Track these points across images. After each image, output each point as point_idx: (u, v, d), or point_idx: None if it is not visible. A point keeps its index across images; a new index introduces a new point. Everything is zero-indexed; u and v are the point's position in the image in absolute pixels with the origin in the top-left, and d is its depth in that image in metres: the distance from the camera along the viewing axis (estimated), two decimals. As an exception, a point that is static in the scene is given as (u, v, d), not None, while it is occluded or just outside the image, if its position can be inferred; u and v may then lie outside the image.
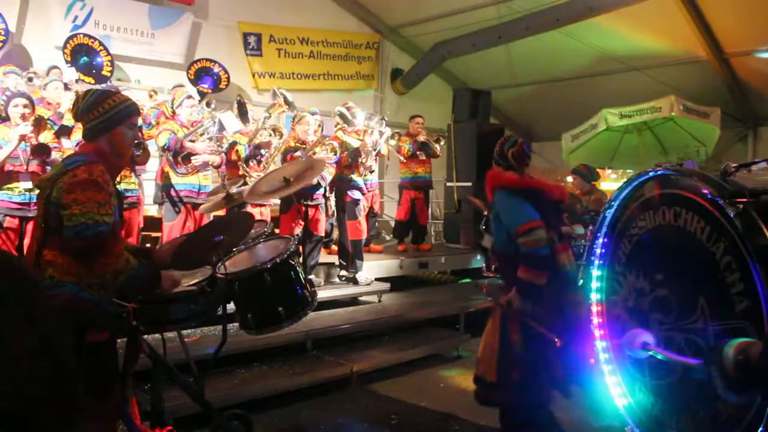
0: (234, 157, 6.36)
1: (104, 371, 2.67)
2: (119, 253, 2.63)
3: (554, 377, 3.40)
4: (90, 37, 8.05)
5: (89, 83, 7.18)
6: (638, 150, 9.84)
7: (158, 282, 2.80)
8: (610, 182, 10.27)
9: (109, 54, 8.02)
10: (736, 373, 1.49)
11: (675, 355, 2.43)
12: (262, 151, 6.48)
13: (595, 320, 2.75)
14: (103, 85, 6.83)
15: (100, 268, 2.60)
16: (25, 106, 5.18)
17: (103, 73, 8.01)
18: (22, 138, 5.07)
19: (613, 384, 2.68)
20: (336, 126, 7.33)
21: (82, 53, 7.86)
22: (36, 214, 2.66)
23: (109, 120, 2.74)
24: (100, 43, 8.02)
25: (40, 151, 5.28)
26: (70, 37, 7.92)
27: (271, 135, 6.55)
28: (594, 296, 2.78)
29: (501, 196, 3.49)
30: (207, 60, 9.18)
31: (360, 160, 7.12)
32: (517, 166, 3.59)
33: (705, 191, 2.03)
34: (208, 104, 7.35)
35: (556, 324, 3.29)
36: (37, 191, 3.25)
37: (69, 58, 7.76)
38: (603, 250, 2.74)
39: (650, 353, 2.28)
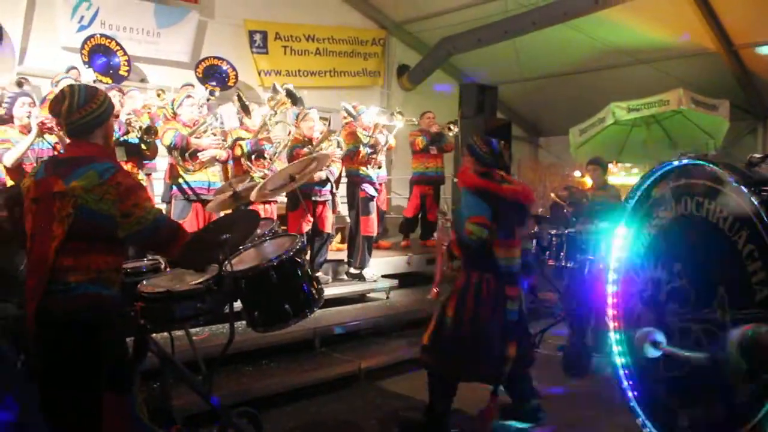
0: (237, 152, 6.33)
1: (123, 366, 2.73)
2: (185, 230, 2.79)
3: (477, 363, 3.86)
4: (107, 37, 8.10)
5: (107, 83, 7.17)
6: (646, 144, 9.79)
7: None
8: (617, 177, 10.20)
9: (125, 54, 8.07)
10: (751, 359, 1.46)
11: (688, 353, 2.40)
12: (265, 146, 6.42)
13: (611, 311, 2.74)
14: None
15: (175, 251, 2.75)
16: (30, 105, 5.24)
17: (120, 72, 8.03)
18: (41, 127, 5.02)
19: (624, 375, 2.66)
20: (344, 119, 7.30)
21: (99, 54, 7.89)
22: (41, 223, 2.57)
23: (104, 113, 2.72)
24: (117, 43, 8.07)
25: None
26: (88, 38, 8.00)
27: (269, 131, 6.49)
28: (611, 288, 2.76)
29: (465, 193, 3.98)
30: (215, 58, 9.19)
31: (372, 155, 7.12)
32: (501, 166, 3.98)
33: (730, 179, 2.02)
34: (212, 93, 7.24)
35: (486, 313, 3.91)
36: None
37: (86, 59, 7.77)
38: (624, 242, 2.72)
39: (662, 352, 2.24)
